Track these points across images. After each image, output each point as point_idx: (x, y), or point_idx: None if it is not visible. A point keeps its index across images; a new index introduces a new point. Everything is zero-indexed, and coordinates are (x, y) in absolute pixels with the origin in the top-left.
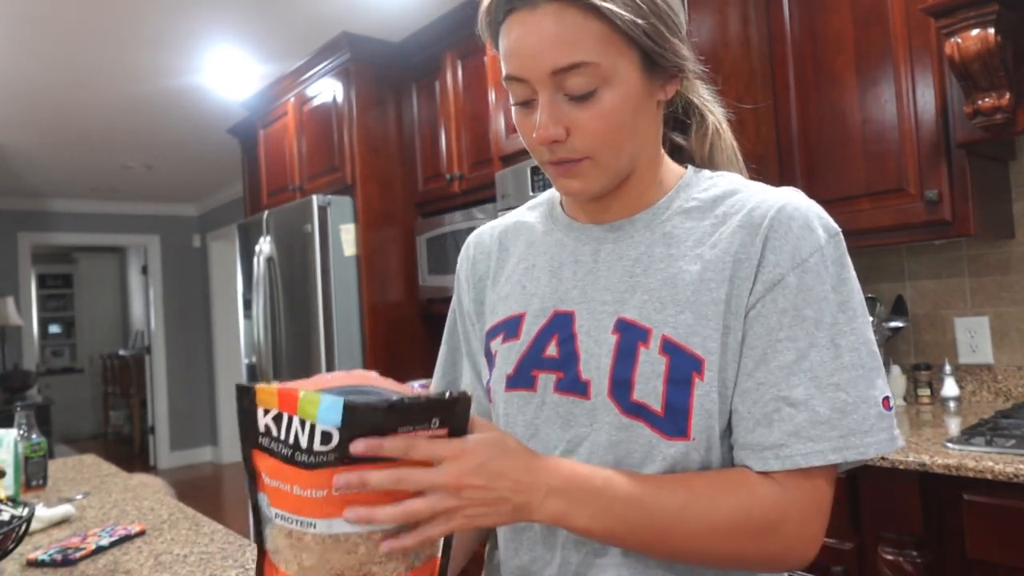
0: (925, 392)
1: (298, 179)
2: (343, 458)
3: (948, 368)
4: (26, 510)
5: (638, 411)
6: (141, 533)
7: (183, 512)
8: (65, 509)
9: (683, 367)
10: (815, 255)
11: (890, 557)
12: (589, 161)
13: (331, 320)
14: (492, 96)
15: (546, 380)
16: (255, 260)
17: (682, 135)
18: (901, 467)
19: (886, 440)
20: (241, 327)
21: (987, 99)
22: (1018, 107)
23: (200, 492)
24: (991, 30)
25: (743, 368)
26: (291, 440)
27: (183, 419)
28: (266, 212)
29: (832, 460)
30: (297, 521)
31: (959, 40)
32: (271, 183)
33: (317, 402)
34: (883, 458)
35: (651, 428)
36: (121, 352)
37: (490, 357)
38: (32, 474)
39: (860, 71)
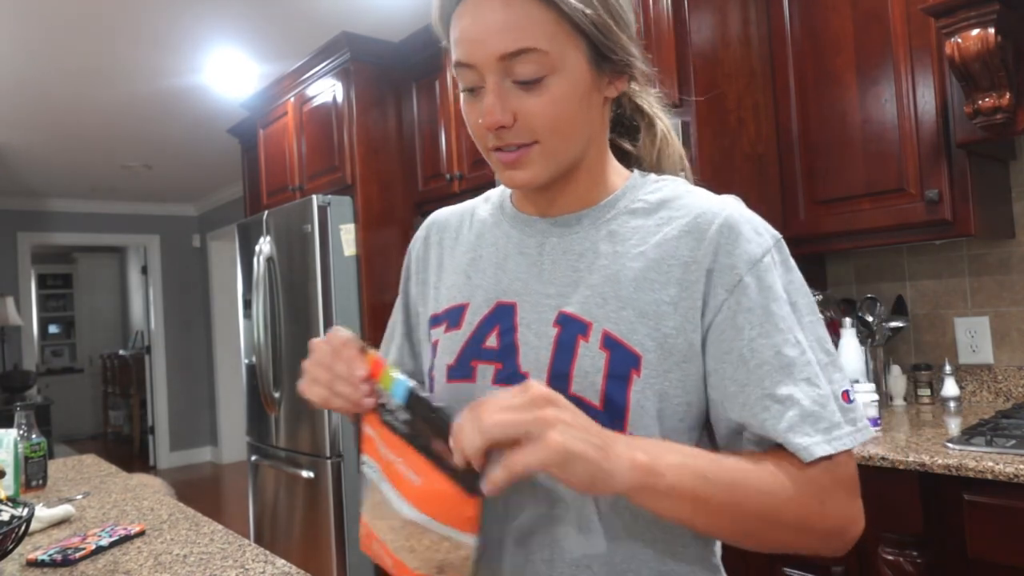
0: (925, 392)
1: (298, 179)
2: (412, 436)
3: (948, 368)
4: (26, 510)
5: (576, 405)
6: (141, 533)
7: (183, 512)
8: (65, 509)
9: (622, 363)
10: (767, 256)
11: (890, 557)
12: (537, 147)
13: (331, 320)
14: None
15: (485, 371)
16: (255, 260)
17: (631, 141)
18: (901, 467)
19: (855, 432)
20: (241, 327)
21: (987, 99)
22: (1018, 107)
23: (200, 492)
24: (991, 30)
25: (723, 373)
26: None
27: (183, 419)
28: (266, 212)
29: (828, 452)
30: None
31: (959, 40)
32: (271, 183)
33: (392, 380)
34: (883, 458)
35: None
36: (121, 352)
37: (433, 345)
38: (32, 474)
39: (860, 71)
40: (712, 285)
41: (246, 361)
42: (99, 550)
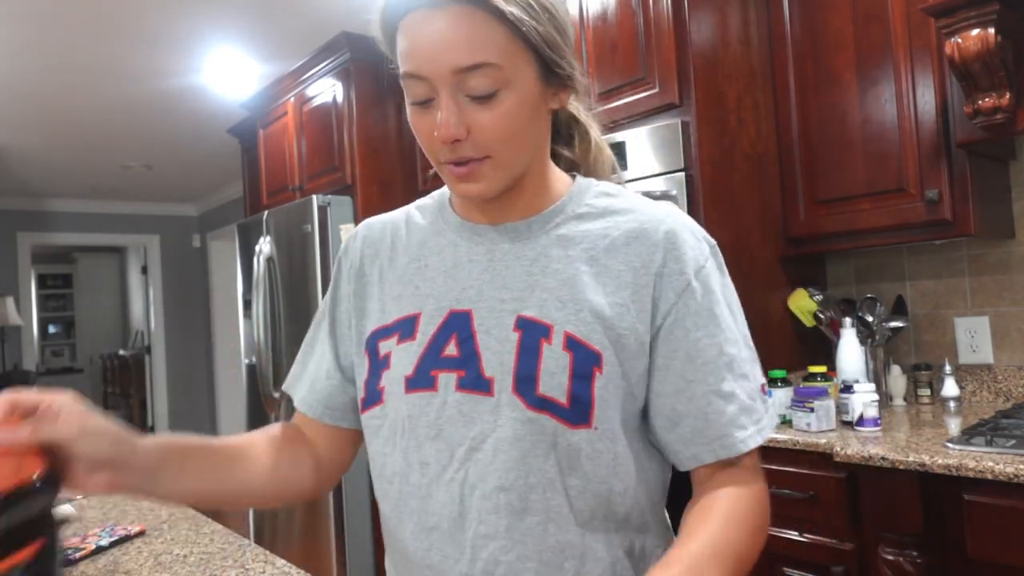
0: (925, 392)
1: (298, 179)
2: None
3: (948, 368)
4: None
5: (544, 404)
6: (141, 533)
7: (183, 512)
8: (65, 509)
9: (585, 362)
10: (708, 262)
11: (890, 557)
12: (489, 161)
13: None
14: None
15: (447, 379)
16: (255, 260)
17: (566, 147)
18: (901, 467)
19: (769, 423)
20: (241, 327)
21: (987, 99)
22: (1018, 107)
23: None
24: (991, 30)
25: (672, 369)
26: None
27: (183, 419)
28: (266, 212)
29: (758, 443)
30: None
31: (959, 40)
32: (271, 183)
33: None
34: (883, 458)
35: (556, 419)
36: (121, 352)
37: (376, 357)
38: None
39: (860, 71)
40: (662, 288)
41: (246, 361)
42: (99, 550)
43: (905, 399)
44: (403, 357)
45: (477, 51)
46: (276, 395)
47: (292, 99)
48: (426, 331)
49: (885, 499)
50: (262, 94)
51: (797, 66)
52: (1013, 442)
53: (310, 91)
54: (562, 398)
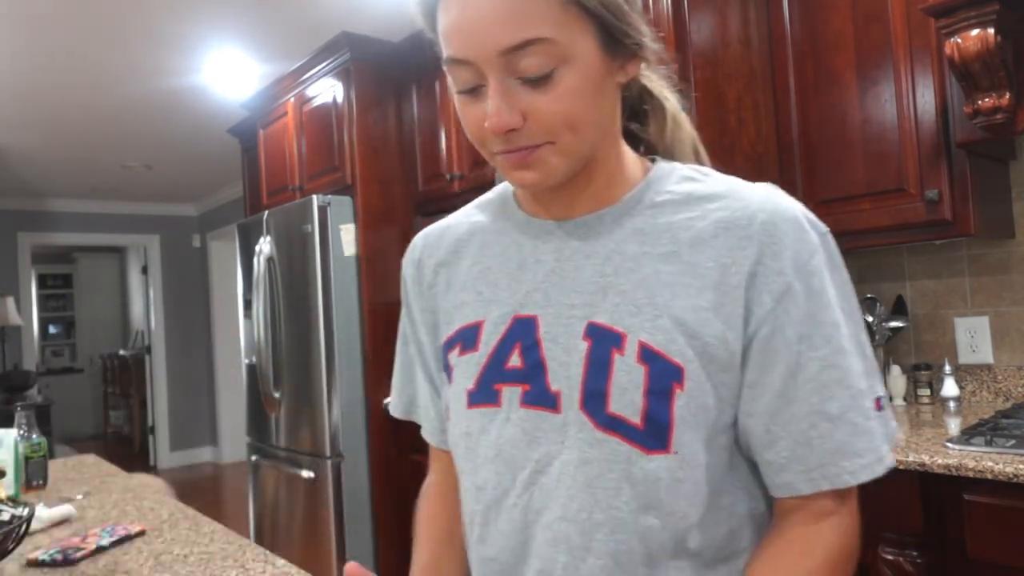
0: (925, 392)
1: (298, 179)
2: None
3: (948, 368)
4: (26, 510)
5: (614, 424)
6: (141, 533)
7: (183, 512)
8: (65, 509)
9: (663, 376)
10: (815, 256)
11: (890, 557)
12: (549, 147)
13: (331, 320)
14: None
15: (511, 393)
16: (255, 260)
17: (639, 125)
18: (901, 467)
19: (889, 450)
20: (241, 327)
21: (987, 99)
22: (1018, 107)
23: (200, 492)
24: (991, 30)
25: (767, 387)
26: None
27: (183, 419)
28: (266, 212)
29: (878, 472)
30: None
31: (959, 40)
32: (271, 183)
33: None
34: None
35: (628, 442)
36: (121, 352)
37: (448, 371)
38: (32, 474)
39: (860, 71)
40: (756, 291)
41: (246, 361)
42: (99, 550)
43: (905, 399)
44: (465, 369)
45: (525, 26)
46: (276, 395)
47: (292, 99)
48: (489, 340)
49: (885, 499)
50: (262, 94)
51: (797, 66)
52: (1013, 442)
53: (310, 91)
54: (635, 418)
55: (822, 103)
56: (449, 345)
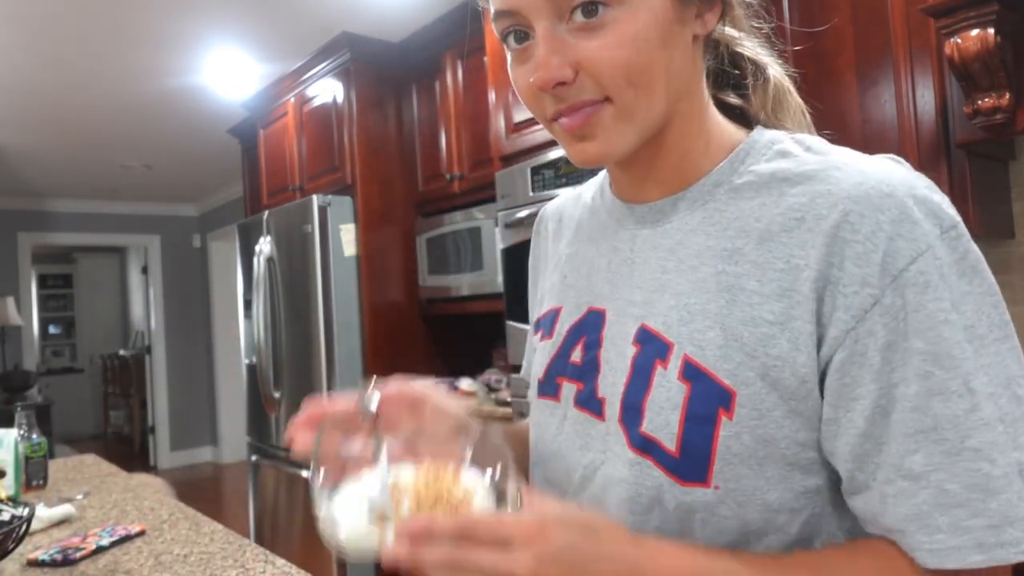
0: None
1: (298, 179)
2: None
3: None
4: (26, 510)
5: (647, 447)
6: (141, 533)
7: (183, 512)
8: (65, 509)
9: (707, 400)
10: (922, 259)
11: None
12: (609, 107)
13: (331, 320)
14: (492, 96)
15: (569, 390)
16: (255, 260)
17: (736, 93)
18: None
19: (1015, 536)
20: (241, 327)
21: (987, 99)
22: (1018, 107)
23: (200, 492)
24: (991, 30)
25: (849, 426)
26: None
27: (183, 419)
28: (266, 212)
29: (976, 562)
30: None
31: (959, 40)
32: (271, 183)
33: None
34: None
35: (662, 469)
36: (121, 352)
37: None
38: (32, 474)
39: (860, 71)
40: (833, 304)
41: (246, 361)
42: (99, 550)
43: None
44: (540, 357)
45: None
46: (276, 395)
47: (292, 99)
48: (562, 330)
49: None
50: (262, 94)
51: (797, 66)
52: None
53: (310, 91)
54: (670, 444)
55: (822, 103)
56: (535, 328)
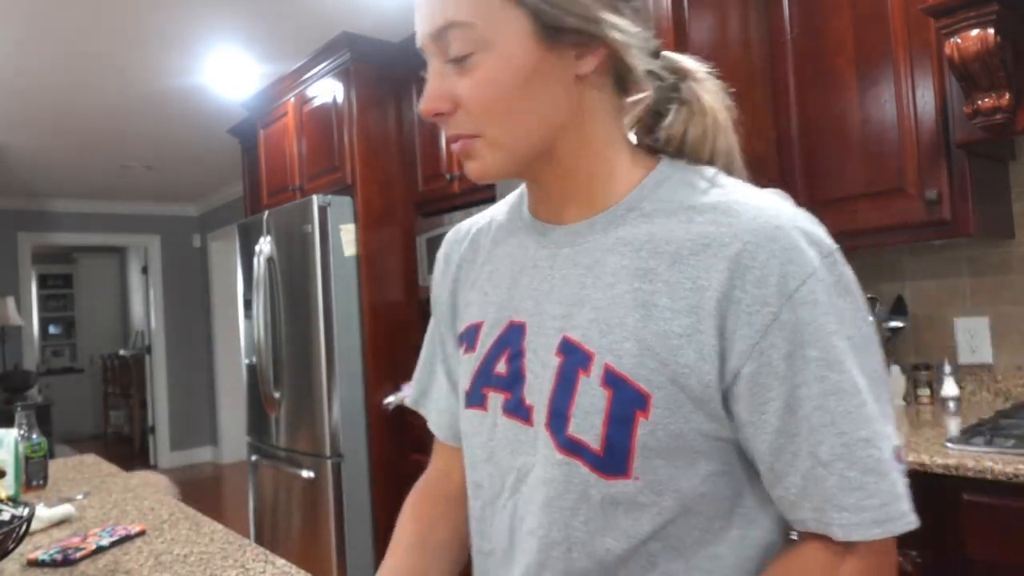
0: (925, 392)
1: (298, 179)
2: None
3: (948, 368)
4: (26, 510)
5: (574, 448)
6: (141, 533)
7: (183, 512)
8: (65, 509)
9: (627, 403)
10: (810, 280)
11: None
12: (481, 139)
13: (331, 320)
14: None
15: (496, 400)
16: (255, 260)
17: (655, 120)
18: None
19: (899, 509)
20: (241, 327)
21: (987, 99)
22: (1018, 107)
23: (200, 492)
24: (991, 30)
25: (764, 426)
26: None
27: (183, 419)
28: (266, 212)
29: (875, 535)
30: None
31: (959, 40)
32: (271, 183)
33: None
34: None
35: (588, 467)
36: (121, 352)
37: (460, 368)
38: (32, 474)
39: (860, 71)
40: (738, 321)
41: (246, 361)
42: (99, 550)
43: (905, 399)
44: (465, 369)
45: (445, 9)
46: (276, 395)
47: (292, 99)
48: (485, 343)
49: None
50: (262, 94)
51: (797, 66)
52: (1012, 442)
53: (310, 91)
54: (595, 444)
55: (822, 103)
56: (459, 342)
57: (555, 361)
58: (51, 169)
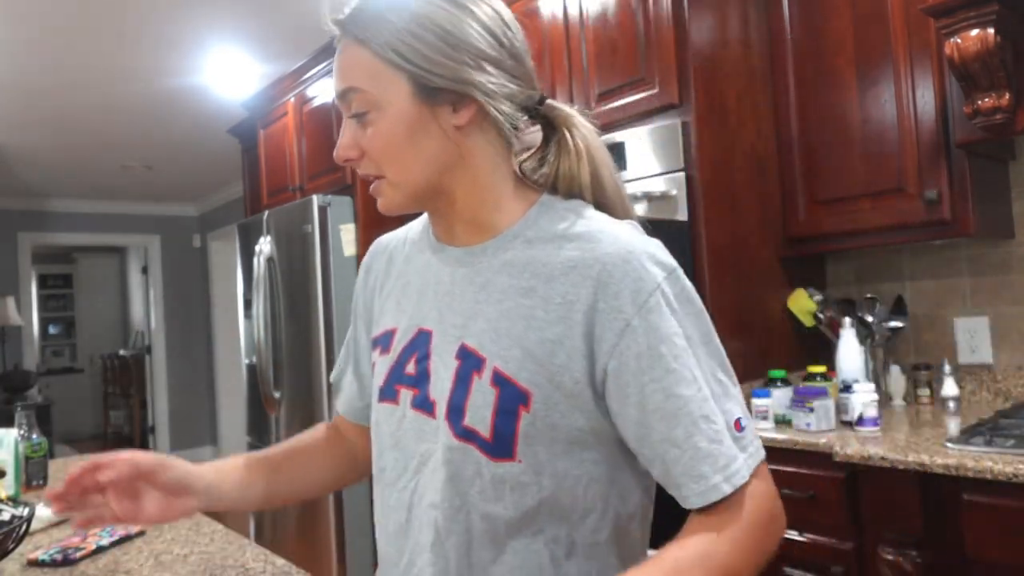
0: (925, 392)
1: (298, 179)
2: None
3: (948, 368)
4: (26, 510)
5: (468, 435)
6: (141, 533)
7: None
8: None
9: (511, 399)
10: (654, 295)
11: (890, 557)
12: (383, 180)
13: (331, 320)
14: None
15: (406, 395)
16: (255, 260)
17: (540, 159)
18: (901, 467)
19: (748, 458)
20: (241, 327)
21: (987, 99)
22: (1018, 107)
23: None
24: (991, 30)
25: (627, 417)
26: None
27: (183, 419)
28: (266, 212)
29: (725, 491)
30: None
31: (959, 40)
32: (271, 183)
33: None
34: (883, 458)
35: (480, 451)
36: (121, 352)
37: (372, 366)
38: (32, 474)
39: (860, 71)
40: (600, 328)
41: (246, 361)
42: (99, 550)
43: (905, 399)
44: (380, 368)
45: (347, 77)
46: (276, 395)
47: (292, 99)
48: (397, 347)
49: (885, 499)
50: (262, 94)
51: (797, 66)
52: (1012, 442)
53: (310, 91)
54: (485, 432)
55: (822, 103)
56: (374, 344)
57: (454, 364)
58: (51, 169)
